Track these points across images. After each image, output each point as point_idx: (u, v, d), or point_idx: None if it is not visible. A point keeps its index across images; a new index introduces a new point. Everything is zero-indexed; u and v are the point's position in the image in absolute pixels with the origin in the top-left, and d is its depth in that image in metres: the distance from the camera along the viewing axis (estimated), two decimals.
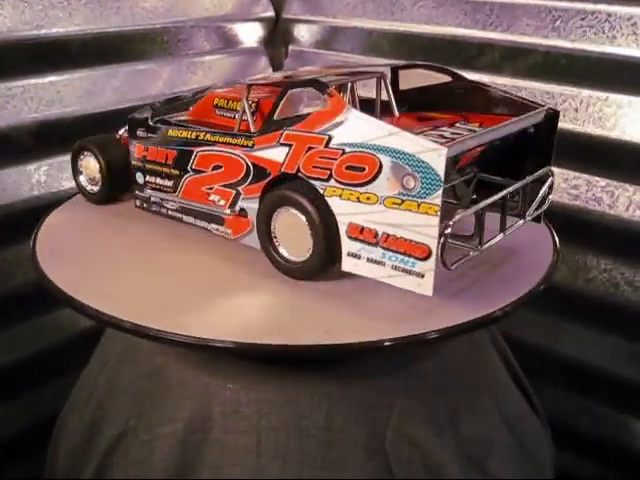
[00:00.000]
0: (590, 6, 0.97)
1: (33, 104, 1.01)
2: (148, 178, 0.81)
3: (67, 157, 1.05)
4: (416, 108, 0.79)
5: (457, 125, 0.71)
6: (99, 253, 0.75)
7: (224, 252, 0.74)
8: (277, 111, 0.68)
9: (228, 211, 0.73)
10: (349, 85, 0.77)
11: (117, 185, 0.85)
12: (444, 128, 0.69)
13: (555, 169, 1.04)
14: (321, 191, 0.64)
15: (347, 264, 0.65)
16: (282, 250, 0.69)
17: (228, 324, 0.62)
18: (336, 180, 0.63)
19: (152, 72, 1.14)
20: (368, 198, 0.61)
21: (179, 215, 0.79)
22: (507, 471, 0.77)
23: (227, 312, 0.64)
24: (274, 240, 0.70)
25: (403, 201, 0.59)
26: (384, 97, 0.80)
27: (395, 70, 0.81)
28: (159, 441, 0.69)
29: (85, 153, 0.86)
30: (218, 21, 1.23)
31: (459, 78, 0.77)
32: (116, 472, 0.71)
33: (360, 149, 0.61)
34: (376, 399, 0.69)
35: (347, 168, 0.62)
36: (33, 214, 0.83)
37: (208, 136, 0.73)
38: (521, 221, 0.71)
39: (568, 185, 1.05)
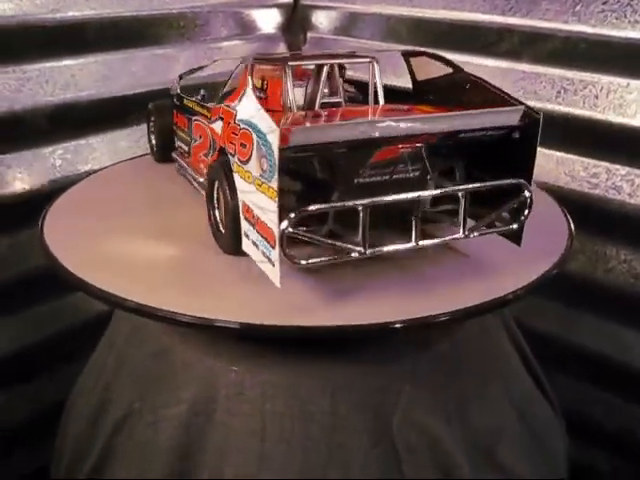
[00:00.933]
0: None
1: (49, 87, 1.01)
2: (177, 143, 0.86)
3: (82, 141, 1.07)
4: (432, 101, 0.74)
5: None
6: (111, 229, 0.75)
7: None
8: (227, 84, 0.69)
9: (201, 179, 0.75)
10: (325, 68, 0.73)
11: (168, 147, 0.90)
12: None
13: (574, 157, 1.04)
14: (233, 167, 0.63)
15: (244, 244, 0.63)
16: (218, 221, 0.69)
17: (233, 305, 0.61)
18: (236, 156, 0.62)
19: (169, 57, 1.14)
20: (248, 177, 0.59)
21: (193, 181, 0.81)
22: (517, 459, 0.76)
23: (232, 292, 0.64)
24: (215, 211, 0.70)
25: (261, 183, 0.56)
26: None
27: (407, 58, 0.79)
28: (163, 423, 0.68)
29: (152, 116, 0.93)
30: (235, 7, 1.22)
31: (458, 70, 0.72)
32: (121, 453, 0.71)
33: (245, 126, 0.59)
34: (382, 384, 0.68)
35: (240, 145, 0.61)
36: (48, 198, 0.83)
37: (195, 106, 0.77)
38: (458, 234, 0.64)
39: (587, 174, 1.03)
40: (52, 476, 0.85)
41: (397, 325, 0.59)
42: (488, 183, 0.63)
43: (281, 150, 0.53)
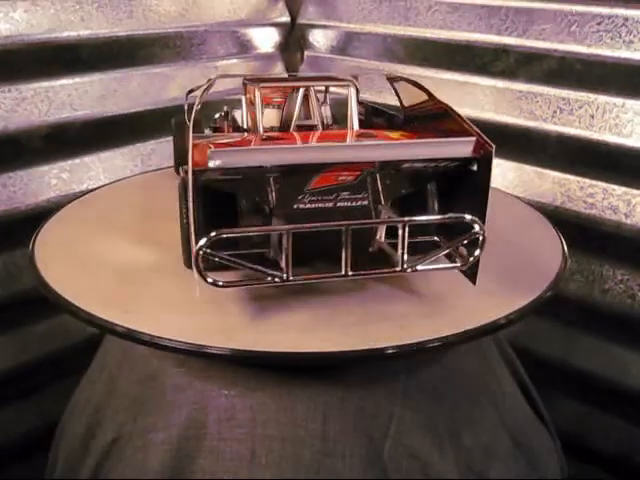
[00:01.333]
0: (607, 10, 0.95)
1: (44, 107, 1.01)
2: None
3: (77, 160, 1.07)
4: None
5: None
6: (101, 252, 0.74)
7: None
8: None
9: None
10: (301, 90, 0.73)
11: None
12: None
13: (570, 177, 1.04)
14: None
15: None
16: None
17: (223, 328, 0.61)
18: None
19: (165, 76, 1.14)
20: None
21: None
22: None
23: (223, 316, 0.63)
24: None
25: None
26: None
27: (391, 82, 0.78)
28: (153, 447, 0.68)
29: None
30: (233, 26, 1.23)
31: (431, 97, 0.69)
32: (110, 478, 0.71)
33: None
34: (374, 408, 0.67)
35: None
36: (44, 217, 0.82)
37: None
38: (396, 268, 0.60)
39: (584, 193, 1.03)
40: None
41: (390, 351, 0.59)
42: (431, 217, 0.62)
43: (196, 171, 0.53)
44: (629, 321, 1.03)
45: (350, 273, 0.58)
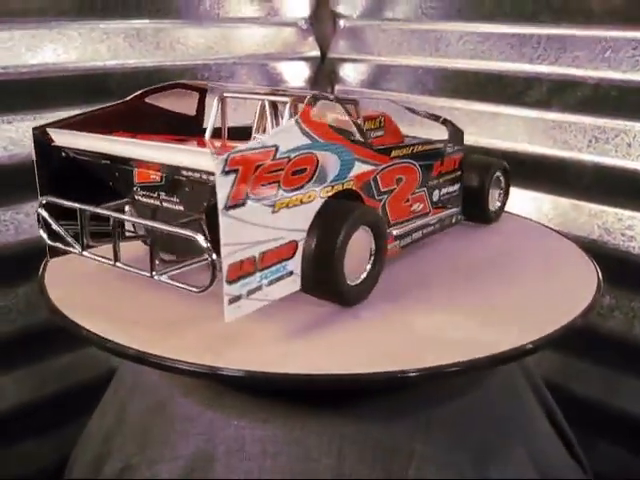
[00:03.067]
0: None
1: None
2: None
3: None
4: None
5: None
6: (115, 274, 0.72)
7: None
8: None
9: None
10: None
11: None
12: None
13: (608, 208, 0.99)
14: None
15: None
16: None
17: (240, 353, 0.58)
18: None
19: None
20: None
21: None
22: None
23: (238, 339, 0.60)
24: None
25: None
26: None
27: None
28: (159, 478, 0.65)
29: None
30: (262, 59, 1.22)
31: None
32: None
33: None
34: (394, 443, 0.63)
35: None
36: None
37: None
38: (146, 273, 0.61)
39: (622, 226, 0.98)
40: None
41: (411, 374, 0.55)
42: (168, 227, 0.58)
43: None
44: None
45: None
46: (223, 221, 0.52)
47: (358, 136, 0.67)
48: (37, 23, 0.97)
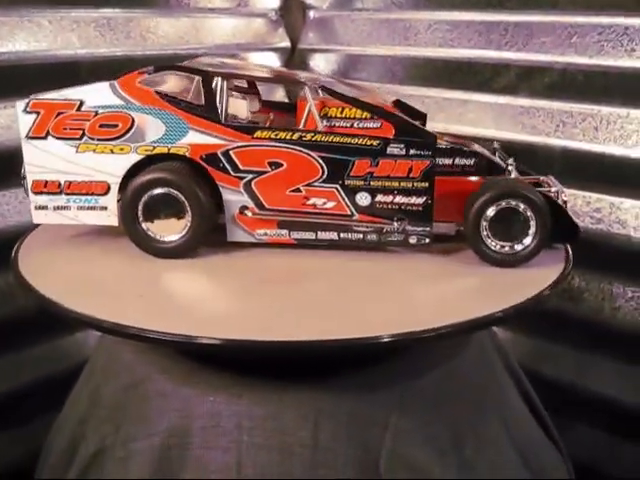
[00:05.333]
0: (607, 20, 0.94)
1: None
2: None
3: None
4: None
5: None
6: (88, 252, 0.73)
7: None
8: None
9: None
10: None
11: None
12: None
13: (576, 191, 1.01)
14: None
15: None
16: None
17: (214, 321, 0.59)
18: None
19: None
20: None
21: None
22: None
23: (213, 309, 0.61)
24: None
25: None
26: None
27: None
28: (134, 457, 0.64)
29: None
30: (233, 49, 1.22)
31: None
32: None
33: None
34: (369, 415, 0.64)
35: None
36: None
37: None
38: None
39: (590, 208, 1.00)
40: None
41: (385, 339, 0.56)
42: None
43: None
44: None
45: None
46: (25, 147, 0.72)
47: (207, 110, 0.71)
48: (7, 11, 0.96)
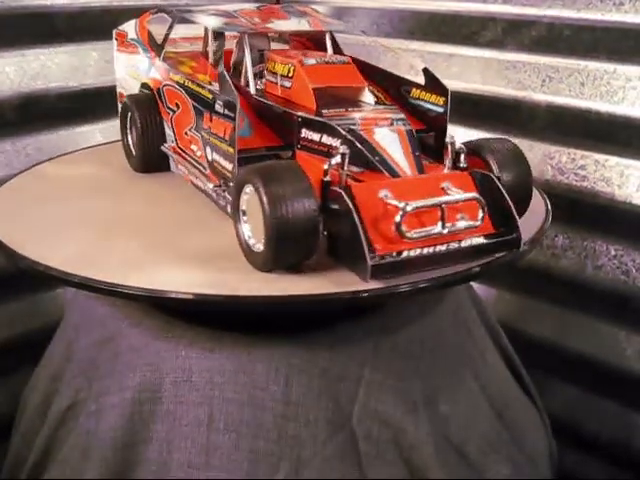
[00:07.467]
0: None
1: (17, 77, 0.99)
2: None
3: (50, 135, 1.04)
4: None
5: None
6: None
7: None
8: None
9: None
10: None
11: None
12: None
13: (561, 148, 1.00)
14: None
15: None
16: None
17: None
18: None
19: None
20: None
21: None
22: (491, 458, 0.71)
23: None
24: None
25: None
26: None
27: None
28: (106, 412, 0.64)
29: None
30: (214, 1, 1.19)
31: None
32: (62, 447, 0.67)
33: None
34: (342, 370, 0.63)
35: None
36: None
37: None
38: None
39: (575, 165, 0.99)
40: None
41: (364, 294, 0.55)
42: None
43: None
44: (623, 299, 0.98)
45: None
46: None
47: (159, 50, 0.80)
48: None
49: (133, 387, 0.63)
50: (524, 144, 1.01)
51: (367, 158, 0.59)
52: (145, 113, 0.79)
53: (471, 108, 1.05)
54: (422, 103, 0.68)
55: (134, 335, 0.65)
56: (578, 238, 1.01)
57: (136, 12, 1.06)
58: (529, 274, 1.02)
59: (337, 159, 0.57)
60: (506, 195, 0.58)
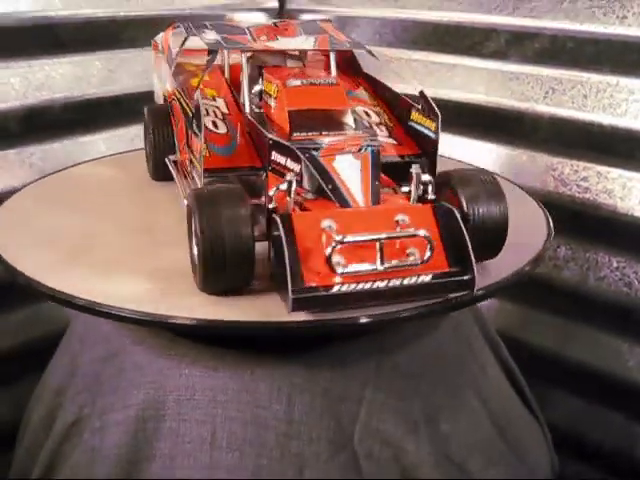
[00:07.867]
0: None
1: (22, 88, 0.99)
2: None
3: (56, 144, 1.04)
4: None
5: None
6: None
7: None
8: None
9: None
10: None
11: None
12: None
13: (563, 160, 1.00)
14: None
15: None
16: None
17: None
18: None
19: (147, 59, 1.11)
20: None
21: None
22: (492, 474, 0.71)
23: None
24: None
25: None
26: None
27: None
28: (110, 429, 0.65)
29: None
30: (219, 9, 1.20)
31: None
32: (66, 463, 0.67)
33: None
34: (343, 389, 0.64)
35: None
36: None
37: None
38: None
39: (577, 177, 0.99)
40: None
41: (364, 320, 0.55)
42: None
43: None
44: (625, 310, 0.98)
45: None
46: None
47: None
48: None
49: (137, 405, 0.64)
50: (527, 155, 1.03)
51: (321, 186, 0.59)
52: (158, 124, 0.81)
53: (474, 119, 1.05)
54: (419, 127, 0.67)
55: (138, 352, 0.66)
56: (580, 249, 1.01)
57: (139, 23, 1.08)
58: (531, 285, 1.02)
59: (283, 186, 0.57)
60: (465, 232, 0.55)
